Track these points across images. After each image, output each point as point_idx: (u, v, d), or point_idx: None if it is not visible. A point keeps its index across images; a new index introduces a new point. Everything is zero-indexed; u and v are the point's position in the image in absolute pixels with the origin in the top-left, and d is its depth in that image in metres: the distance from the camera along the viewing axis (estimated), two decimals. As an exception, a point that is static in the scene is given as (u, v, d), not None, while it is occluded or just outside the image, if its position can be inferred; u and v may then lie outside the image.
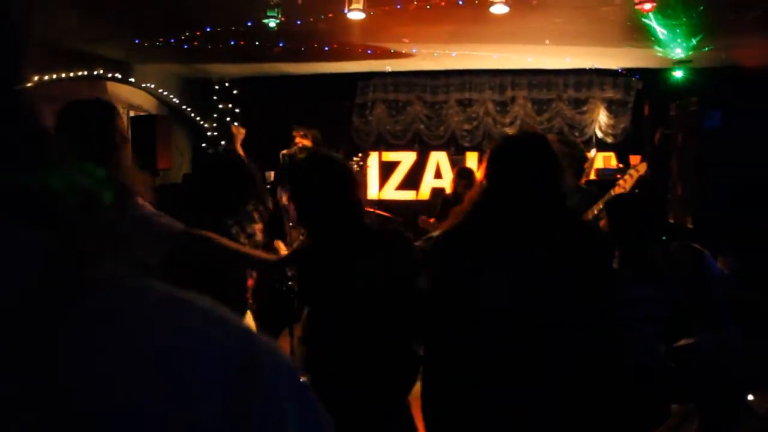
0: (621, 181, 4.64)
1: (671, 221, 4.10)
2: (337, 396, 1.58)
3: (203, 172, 3.69)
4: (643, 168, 4.73)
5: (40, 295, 0.39)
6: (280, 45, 6.40)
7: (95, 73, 6.66)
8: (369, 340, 2.26)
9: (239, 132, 5.43)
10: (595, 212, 4.61)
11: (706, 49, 6.38)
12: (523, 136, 2.35)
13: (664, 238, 3.40)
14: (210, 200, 2.99)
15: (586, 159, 4.78)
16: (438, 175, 8.50)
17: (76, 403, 0.39)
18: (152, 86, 7.74)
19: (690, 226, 4.00)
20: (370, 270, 2.26)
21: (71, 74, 6.15)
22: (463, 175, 6.32)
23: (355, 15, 4.74)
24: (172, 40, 6.14)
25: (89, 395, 0.39)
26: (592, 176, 6.27)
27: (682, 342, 2.79)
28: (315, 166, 2.40)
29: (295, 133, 6.35)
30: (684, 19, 5.54)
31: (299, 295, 2.55)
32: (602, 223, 3.40)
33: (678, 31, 5.92)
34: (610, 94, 7.99)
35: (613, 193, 4.60)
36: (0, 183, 0.41)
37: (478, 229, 2.11)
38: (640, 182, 4.77)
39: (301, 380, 0.48)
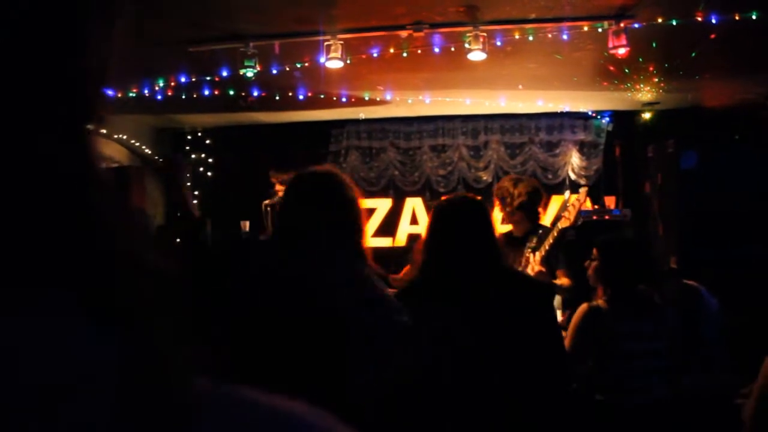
0: (565, 213, 4.63)
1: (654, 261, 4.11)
2: None
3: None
4: (583, 196, 4.74)
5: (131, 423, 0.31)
6: (255, 94, 6.38)
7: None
8: None
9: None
10: (547, 247, 4.57)
11: (670, 91, 6.55)
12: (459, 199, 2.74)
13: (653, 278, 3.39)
14: None
15: (541, 197, 4.74)
16: (414, 221, 8.45)
17: None
18: (124, 137, 7.65)
19: (674, 266, 4.01)
20: None
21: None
22: None
23: (334, 64, 4.74)
24: (145, 91, 6.08)
25: None
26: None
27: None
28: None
29: (273, 179, 6.21)
30: (651, 62, 5.68)
31: None
32: (593, 265, 3.37)
33: (645, 74, 6.06)
34: (581, 136, 8.09)
35: (560, 226, 4.59)
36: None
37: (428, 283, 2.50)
38: (620, 224, 4.78)
39: None
